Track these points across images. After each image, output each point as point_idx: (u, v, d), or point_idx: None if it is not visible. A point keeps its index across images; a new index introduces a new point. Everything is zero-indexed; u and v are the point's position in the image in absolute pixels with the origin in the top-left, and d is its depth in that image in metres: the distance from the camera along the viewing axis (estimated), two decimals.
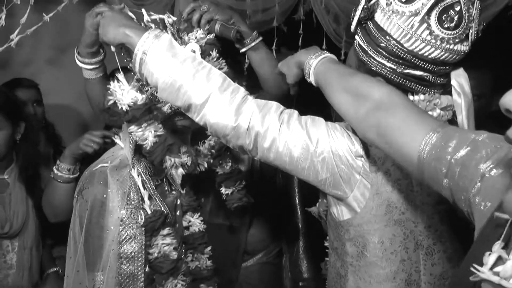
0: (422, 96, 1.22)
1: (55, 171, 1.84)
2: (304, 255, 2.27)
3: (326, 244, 1.55)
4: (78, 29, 3.11)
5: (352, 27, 1.26)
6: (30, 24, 1.98)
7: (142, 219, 1.44)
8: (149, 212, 1.46)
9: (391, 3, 1.17)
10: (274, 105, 1.20)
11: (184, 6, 2.49)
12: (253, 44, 1.74)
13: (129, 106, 1.38)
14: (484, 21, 2.22)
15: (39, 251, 2.06)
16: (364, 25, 1.24)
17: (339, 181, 1.20)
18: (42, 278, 2.14)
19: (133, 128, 1.42)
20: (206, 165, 1.62)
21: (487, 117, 2.22)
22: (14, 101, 2.08)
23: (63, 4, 2.03)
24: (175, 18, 1.50)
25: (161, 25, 1.45)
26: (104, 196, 1.44)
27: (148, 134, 1.42)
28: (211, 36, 1.51)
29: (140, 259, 1.44)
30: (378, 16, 1.20)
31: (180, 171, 1.49)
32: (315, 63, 1.28)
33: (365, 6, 1.21)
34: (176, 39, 1.41)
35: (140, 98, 1.38)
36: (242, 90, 1.21)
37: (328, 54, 1.30)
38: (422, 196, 1.23)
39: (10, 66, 2.81)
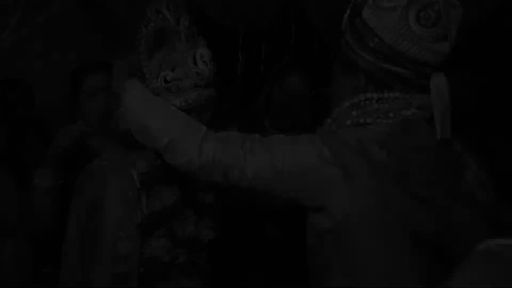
0: (397, 94, 1.23)
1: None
2: None
3: None
4: (70, 24, 3.09)
5: (343, 25, 1.30)
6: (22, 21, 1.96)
7: (138, 219, 1.44)
8: (146, 212, 1.46)
9: None
10: (235, 136, 1.24)
11: None
12: None
13: None
14: (478, 20, 2.24)
15: (33, 246, 2.07)
16: (352, 21, 1.28)
17: (313, 192, 1.19)
18: (36, 277, 2.14)
19: None
20: None
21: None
22: None
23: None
24: None
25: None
26: (102, 194, 1.45)
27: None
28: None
29: (134, 259, 1.43)
30: (365, 12, 1.24)
31: None
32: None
33: (352, 3, 1.26)
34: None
35: None
36: (203, 128, 1.25)
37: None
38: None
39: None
